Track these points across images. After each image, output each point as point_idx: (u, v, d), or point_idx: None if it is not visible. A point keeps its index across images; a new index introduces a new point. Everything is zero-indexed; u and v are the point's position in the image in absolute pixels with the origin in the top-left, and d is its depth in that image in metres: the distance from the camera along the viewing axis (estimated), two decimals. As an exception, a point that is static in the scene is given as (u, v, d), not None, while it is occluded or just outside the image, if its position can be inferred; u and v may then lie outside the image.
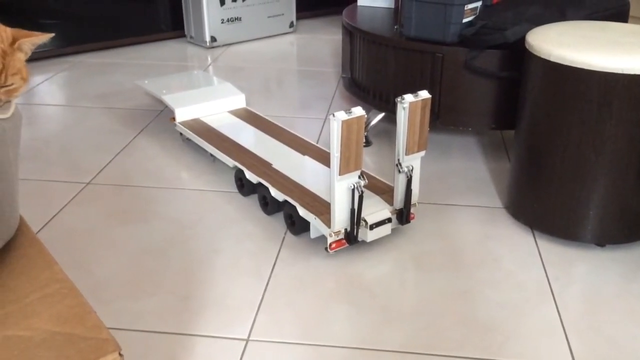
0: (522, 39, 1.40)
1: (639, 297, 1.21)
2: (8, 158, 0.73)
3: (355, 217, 1.27)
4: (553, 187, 1.32)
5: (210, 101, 1.82)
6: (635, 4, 2.01)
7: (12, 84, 0.73)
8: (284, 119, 2.03)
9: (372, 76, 1.81)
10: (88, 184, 1.63)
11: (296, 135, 1.69)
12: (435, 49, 1.62)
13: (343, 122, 1.16)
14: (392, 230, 1.36)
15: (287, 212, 1.39)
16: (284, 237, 1.40)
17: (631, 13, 1.77)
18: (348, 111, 1.17)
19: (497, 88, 1.61)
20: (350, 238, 1.29)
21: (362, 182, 1.25)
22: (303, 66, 2.57)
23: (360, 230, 1.30)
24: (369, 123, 1.83)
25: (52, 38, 0.76)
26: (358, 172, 1.24)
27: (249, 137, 1.67)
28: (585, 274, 1.29)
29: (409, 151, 1.30)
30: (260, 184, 1.46)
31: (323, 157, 1.55)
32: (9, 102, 0.75)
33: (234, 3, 2.81)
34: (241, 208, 1.51)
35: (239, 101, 1.88)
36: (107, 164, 1.73)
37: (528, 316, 1.16)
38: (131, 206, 1.52)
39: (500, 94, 1.61)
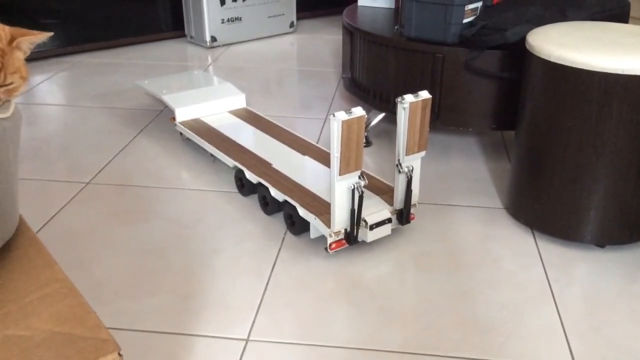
0: (523, 40, 1.40)
1: (639, 298, 1.21)
2: (8, 158, 0.73)
3: (355, 218, 1.27)
4: (553, 187, 1.32)
5: (210, 101, 1.82)
6: (636, 4, 2.01)
7: (11, 83, 0.73)
8: (284, 119, 2.03)
9: (373, 76, 1.81)
10: (88, 183, 1.63)
11: (296, 136, 1.69)
12: (435, 49, 1.62)
13: (343, 122, 1.16)
14: (392, 230, 1.36)
15: (287, 212, 1.39)
16: (284, 237, 1.40)
17: (631, 14, 1.77)
18: (348, 111, 1.17)
19: (497, 88, 1.61)
20: (350, 238, 1.29)
21: (362, 183, 1.25)
22: (303, 66, 2.57)
23: (360, 230, 1.30)
24: (369, 123, 1.83)
25: (52, 37, 0.76)
26: (358, 173, 1.24)
27: (249, 137, 1.67)
28: (585, 274, 1.28)
29: (409, 151, 1.30)
30: (260, 184, 1.46)
31: (323, 157, 1.55)
32: (8, 101, 0.75)
33: (234, 3, 2.81)
34: (241, 208, 1.51)
35: (239, 101, 1.88)
36: (107, 164, 1.73)
37: (528, 317, 1.16)
38: (131, 206, 1.52)
39: (501, 95, 1.61)
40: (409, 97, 1.26)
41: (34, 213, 1.48)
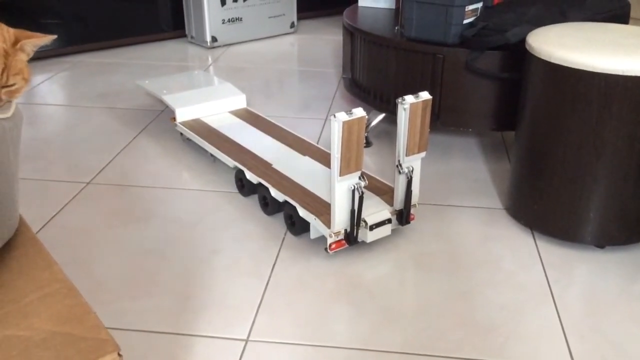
0: (523, 41, 1.40)
1: (639, 299, 1.21)
2: (8, 158, 0.73)
3: (356, 218, 1.27)
4: (553, 188, 1.32)
5: (210, 101, 1.82)
6: (636, 5, 2.01)
7: (13, 84, 0.73)
8: (285, 119, 2.03)
9: (373, 77, 1.81)
10: (88, 183, 1.63)
11: (296, 136, 1.69)
12: (436, 50, 1.62)
13: (344, 123, 1.16)
14: (392, 231, 1.36)
15: (287, 212, 1.39)
16: (284, 238, 1.40)
17: (632, 14, 1.77)
18: (349, 112, 1.17)
19: (497, 89, 1.61)
20: (350, 239, 1.29)
21: (363, 183, 1.25)
22: (304, 67, 2.57)
23: (360, 230, 1.30)
24: (370, 124, 1.83)
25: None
26: (358, 173, 1.24)
27: (249, 137, 1.67)
28: (585, 275, 1.28)
29: (409, 152, 1.30)
30: (260, 184, 1.46)
31: (323, 158, 1.55)
32: (9, 102, 0.75)
33: (234, 3, 2.81)
34: (241, 208, 1.51)
35: (240, 101, 1.88)
36: (108, 164, 1.73)
37: (528, 317, 1.16)
38: (131, 206, 1.52)
39: (501, 95, 1.61)
40: (409, 98, 1.26)
41: (34, 213, 1.48)
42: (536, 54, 1.29)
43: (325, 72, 2.49)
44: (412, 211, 1.37)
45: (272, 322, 1.15)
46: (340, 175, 1.21)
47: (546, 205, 1.34)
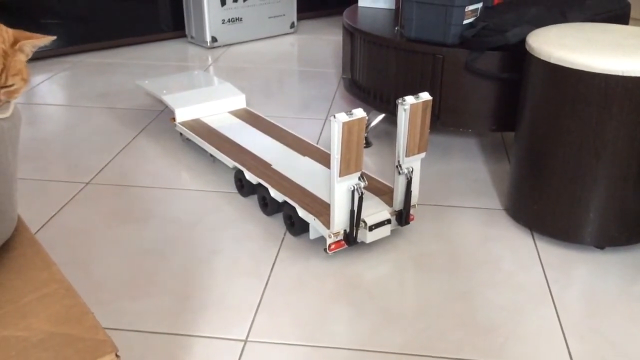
0: (523, 41, 1.40)
1: (639, 300, 1.21)
2: (7, 158, 0.73)
3: (355, 219, 1.27)
4: (553, 189, 1.32)
5: (210, 101, 1.82)
6: (636, 5, 2.01)
7: (12, 85, 0.73)
8: (284, 119, 2.03)
9: (373, 77, 1.81)
10: (88, 183, 1.63)
11: (296, 136, 1.68)
12: (435, 50, 1.62)
13: (344, 123, 1.15)
14: (392, 231, 1.36)
15: (287, 212, 1.39)
16: (283, 238, 1.40)
17: (632, 15, 1.77)
18: (349, 113, 1.17)
19: (497, 90, 1.61)
20: (350, 239, 1.29)
21: (362, 184, 1.25)
22: (304, 67, 2.57)
23: (359, 231, 1.30)
24: (369, 124, 1.83)
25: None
26: (358, 174, 1.24)
27: (249, 137, 1.67)
28: (584, 276, 1.28)
29: (409, 153, 1.30)
30: (260, 184, 1.46)
31: (323, 158, 1.55)
32: (8, 102, 0.75)
33: (234, 3, 2.81)
34: (241, 209, 1.51)
35: (239, 102, 1.88)
36: (107, 164, 1.73)
37: (527, 318, 1.16)
38: (131, 206, 1.52)
39: (501, 96, 1.61)
40: (409, 99, 1.26)
41: (33, 213, 1.48)
42: (536, 55, 1.28)
43: (325, 72, 2.49)
44: (411, 212, 1.37)
45: (271, 322, 1.15)
46: (340, 176, 1.21)
47: (546, 206, 1.34)
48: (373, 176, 1.46)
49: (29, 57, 0.76)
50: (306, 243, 1.38)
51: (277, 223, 1.45)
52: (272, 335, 1.12)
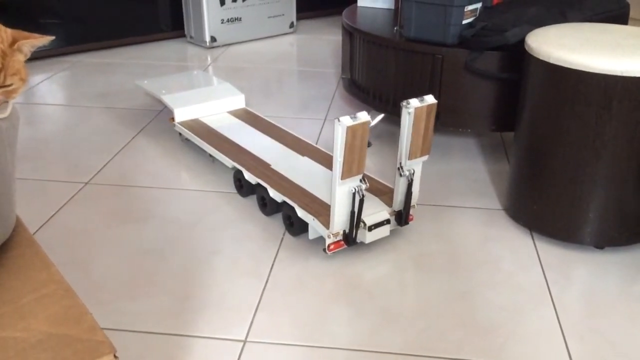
0: (522, 41, 1.39)
1: (638, 300, 1.21)
2: (5, 158, 0.73)
3: (355, 220, 1.27)
4: (552, 189, 1.32)
5: (209, 101, 1.82)
6: (635, 5, 2.01)
7: (11, 85, 0.73)
8: (284, 119, 2.03)
9: (372, 77, 1.81)
10: (87, 183, 1.63)
11: (295, 136, 1.68)
12: (435, 50, 1.61)
13: (348, 128, 1.14)
14: (391, 231, 1.36)
15: (286, 213, 1.39)
16: (282, 238, 1.40)
17: (631, 15, 1.77)
18: (353, 116, 1.15)
19: (497, 90, 1.61)
20: (349, 239, 1.29)
21: (364, 186, 1.24)
22: (303, 67, 2.57)
23: (358, 231, 1.29)
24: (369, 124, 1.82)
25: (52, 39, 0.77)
26: (360, 176, 1.23)
27: (248, 137, 1.67)
28: (584, 276, 1.28)
29: (412, 156, 1.28)
30: (259, 184, 1.46)
31: (322, 158, 1.55)
32: (6, 102, 0.75)
33: (234, 3, 2.81)
34: (240, 209, 1.51)
35: (239, 101, 1.87)
36: (106, 164, 1.73)
37: (527, 318, 1.16)
38: (130, 206, 1.52)
39: (500, 96, 1.61)
40: (414, 102, 1.23)
41: (32, 213, 1.48)
42: (535, 55, 1.28)
43: (325, 72, 2.49)
44: (411, 212, 1.37)
45: (271, 322, 1.15)
46: (342, 179, 1.20)
47: (545, 206, 1.34)
48: (372, 176, 1.46)
49: (28, 57, 0.76)
50: (305, 243, 1.38)
51: (276, 223, 1.45)
52: (271, 336, 1.11)
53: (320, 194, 1.38)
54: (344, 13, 2.01)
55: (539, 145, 1.32)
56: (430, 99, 1.25)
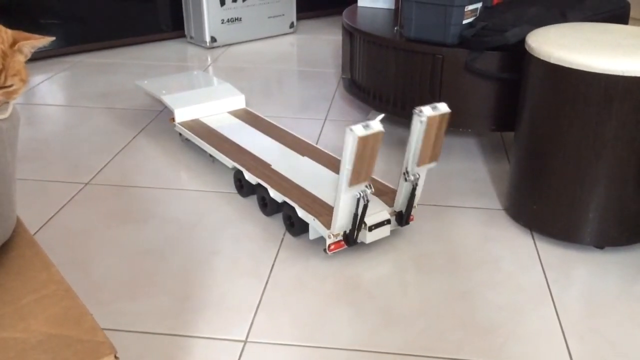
0: (522, 41, 1.39)
1: (639, 300, 1.21)
2: (5, 158, 0.73)
3: (357, 223, 1.26)
4: (553, 189, 1.32)
5: (209, 102, 1.82)
6: (635, 5, 2.01)
7: (11, 85, 0.73)
8: (284, 119, 2.03)
9: (372, 77, 1.81)
10: (87, 184, 1.63)
11: (296, 136, 1.68)
12: (435, 50, 1.61)
13: (360, 138, 1.10)
14: (391, 231, 1.36)
15: (286, 213, 1.39)
16: (282, 238, 1.40)
17: (631, 15, 1.77)
18: (365, 125, 1.10)
19: (497, 90, 1.61)
20: (349, 240, 1.29)
21: (369, 191, 1.23)
22: (303, 67, 2.57)
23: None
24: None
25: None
26: (366, 182, 1.22)
27: (248, 137, 1.67)
28: (584, 276, 1.28)
29: (420, 163, 1.26)
30: (259, 184, 1.46)
31: (323, 158, 1.55)
32: (7, 102, 0.75)
33: (234, 3, 2.81)
34: (240, 209, 1.51)
35: (239, 102, 1.87)
36: (106, 164, 1.73)
37: (527, 318, 1.16)
38: (130, 206, 1.52)
39: (500, 96, 1.61)
40: (427, 110, 1.19)
41: (32, 213, 1.48)
42: (535, 55, 1.28)
43: (325, 72, 2.49)
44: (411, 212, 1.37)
45: (271, 322, 1.15)
46: (349, 186, 1.18)
47: (545, 206, 1.34)
48: (373, 176, 1.46)
49: (28, 57, 0.76)
50: (306, 243, 1.38)
51: (276, 223, 1.45)
52: (271, 336, 1.11)
53: (321, 194, 1.38)
54: (344, 13, 2.01)
55: (539, 145, 1.32)
56: (443, 107, 1.21)
